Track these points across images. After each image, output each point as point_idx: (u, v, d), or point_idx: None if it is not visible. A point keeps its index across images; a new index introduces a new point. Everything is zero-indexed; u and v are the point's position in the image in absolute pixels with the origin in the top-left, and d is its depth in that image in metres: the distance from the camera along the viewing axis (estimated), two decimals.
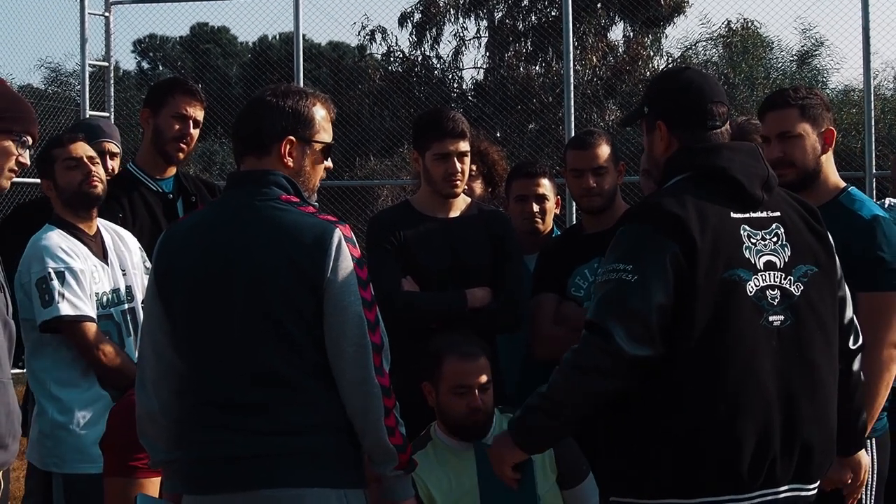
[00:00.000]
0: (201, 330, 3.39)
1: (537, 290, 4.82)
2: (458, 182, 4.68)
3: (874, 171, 11.04)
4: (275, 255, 3.31)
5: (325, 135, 3.54)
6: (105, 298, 4.59)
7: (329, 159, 3.58)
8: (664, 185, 3.47)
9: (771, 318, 3.29)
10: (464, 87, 22.45)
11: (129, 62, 37.00)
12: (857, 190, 4.23)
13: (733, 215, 3.33)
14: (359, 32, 23.00)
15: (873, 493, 4.13)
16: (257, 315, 3.31)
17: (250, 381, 3.31)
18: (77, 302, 4.43)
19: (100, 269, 4.60)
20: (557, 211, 5.33)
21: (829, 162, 4.20)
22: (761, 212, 3.38)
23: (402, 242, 4.66)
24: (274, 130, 3.45)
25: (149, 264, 4.52)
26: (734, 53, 20.56)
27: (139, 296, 4.66)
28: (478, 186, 5.43)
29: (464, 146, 4.67)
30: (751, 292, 3.28)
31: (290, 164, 3.46)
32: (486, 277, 4.67)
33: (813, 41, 20.41)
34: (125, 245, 4.77)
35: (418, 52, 23.15)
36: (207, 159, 21.23)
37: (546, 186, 5.18)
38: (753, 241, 3.33)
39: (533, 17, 22.79)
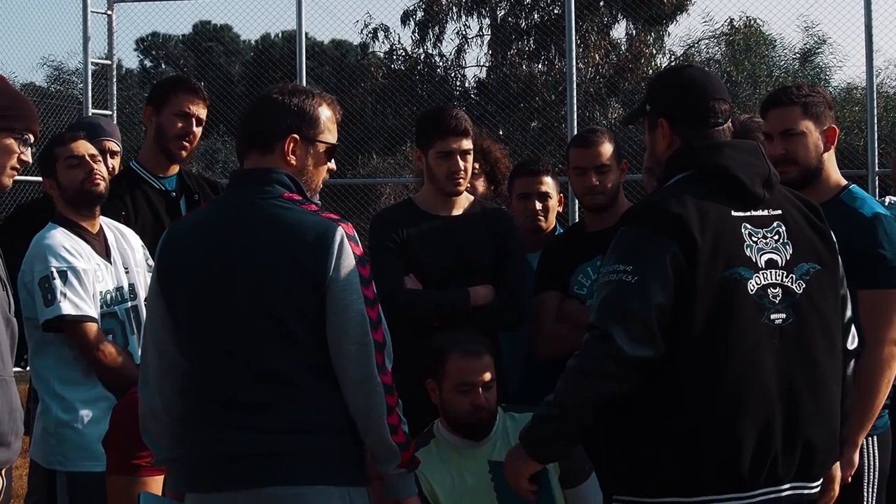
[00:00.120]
0: (204, 328, 3.39)
1: (540, 288, 4.82)
2: (460, 180, 4.69)
3: (877, 168, 11.03)
4: (277, 254, 3.32)
5: (330, 136, 3.54)
6: (109, 297, 4.59)
7: (332, 161, 3.58)
8: (665, 183, 3.46)
9: (772, 317, 3.29)
10: (466, 85, 22.46)
11: (131, 60, 37.07)
12: (858, 188, 4.23)
13: (734, 214, 3.33)
14: (361, 30, 23.05)
15: (875, 490, 4.13)
16: (260, 313, 3.31)
17: (253, 379, 3.31)
18: (79, 302, 4.43)
19: (103, 268, 4.60)
20: (560, 209, 5.33)
21: (830, 160, 4.20)
22: (763, 210, 3.38)
23: (405, 240, 4.67)
24: (278, 128, 3.45)
25: (151, 262, 4.51)
26: (737, 51, 20.57)
27: (142, 294, 4.65)
28: (480, 184, 5.43)
29: (467, 144, 4.67)
30: (752, 290, 3.28)
31: (293, 162, 3.46)
32: (489, 275, 4.67)
33: (815, 39, 20.43)
34: (128, 243, 4.77)
35: (421, 50, 23.18)
36: (210, 157, 21.22)
37: (549, 184, 5.18)
38: (755, 239, 3.33)
39: (535, 15, 22.79)
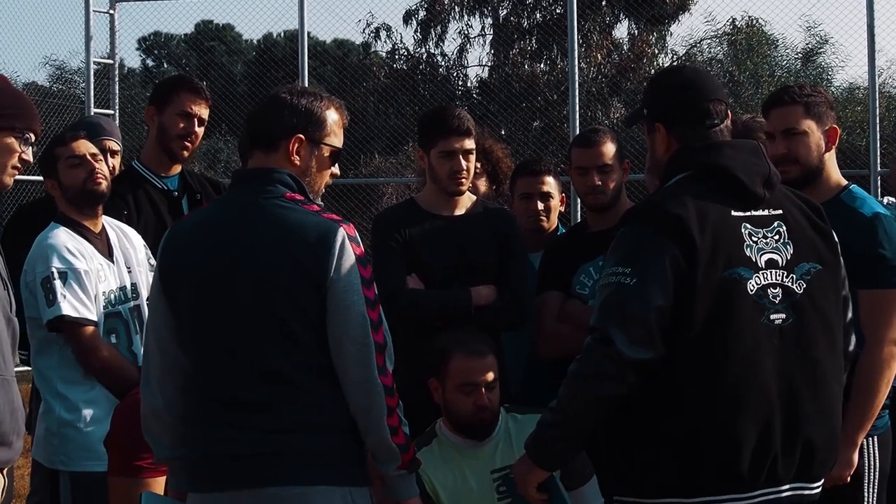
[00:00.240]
0: (206, 327, 3.39)
1: (542, 288, 4.82)
2: (463, 180, 4.69)
3: (879, 168, 11.02)
4: (279, 254, 3.32)
5: (336, 139, 3.54)
6: (112, 296, 4.59)
7: (336, 166, 3.58)
8: (666, 183, 3.46)
9: (772, 317, 3.29)
10: (468, 84, 22.45)
11: (133, 59, 37.03)
12: (858, 188, 4.24)
13: (734, 214, 3.32)
14: (363, 30, 23.03)
15: (875, 490, 4.13)
16: (263, 313, 3.31)
17: (255, 379, 3.31)
18: (77, 304, 4.43)
19: (106, 267, 4.60)
20: (562, 209, 5.32)
21: (831, 160, 4.21)
22: (763, 209, 3.38)
23: (407, 240, 4.67)
24: (284, 127, 3.45)
25: (153, 261, 4.52)
26: (739, 51, 20.56)
27: (144, 293, 4.65)
28: (482, 184, 5.43)
29: (469, 144, 4.67)
30: (751, 290, 3.27)
31: (297, 162, 3.46)
32: (491, 275, 4.67)
33: (818, 39, 20.41)
34: (130, 242, 4.77)
35: (423, 49, 23.17)
36: (212, 157, 21.24)
37: (551, 184, 5.18)
38: (755, 239, 3.32)
39: (538, 15, 22.78)
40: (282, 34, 27.94)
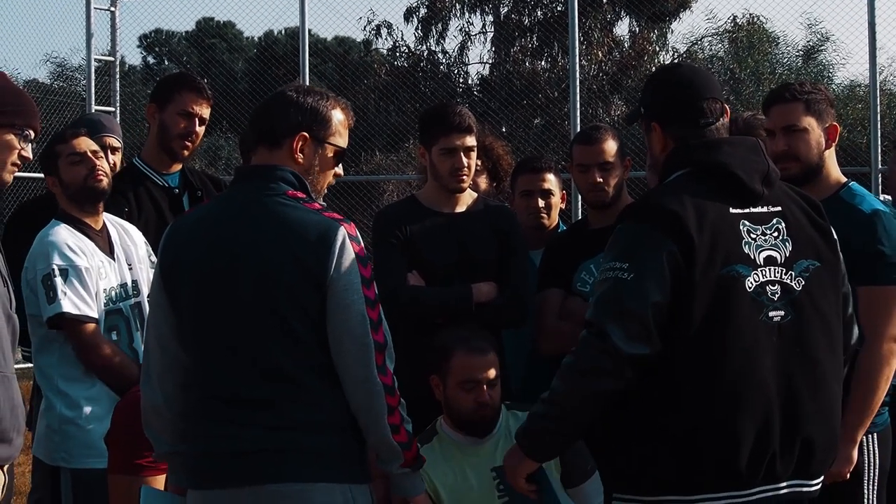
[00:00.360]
0: (207, 324, 3.39)
1: (543, 285, 4.82)
2: (464, 177, 4.69)
3: (880, 166, 11.02)
4: (281, 251, 3.31)
5: (340, 139, 3.53)
6: (113, 293, 4.60)
7: (340, 166, 3.57)
8: (664, 181, 3.46)
9: (771, 314, 3.28)
10: (469, 82, 22.47)
11: (134, 57, 37.04)
12: (857, 185, 4.24)
13: (733, 211, 3.32)
14: (364, 27, 23.09)
15: (875, 487, 4.13)
16: (264, 310, 3.31)
17: (257, 376, 3.31)
18: (78, 301, 4.43)
19: (107, 264, 4.60)
20: (563, 206, 5.33)
21: (831, 157, 4.21)
22: (762, 206, 3.37)
23: (408, 237, 4.67)
24: (289, 124, 3.45)
25: (154, 258, 4.51)
26: (740, 49, 20.57)
27: (145, 290, 4.65)
28: (482, 181, 5.43)
29: (470, 141, 4.67)
30: (750, 288, 3.27)
31: (301, 160, 3.46)
32: (492, 272, 4.67)
33: (819, 36, 20.43)
34: (131, 239, 4.77)
35: (424, 47, 23.19)
36: (213, 154, 21.25)
37: (551, 181, 5.18)
38: (753, 236, 3.32)
39: (539, 12, 22.80)
40: (283, 31, 28.00)
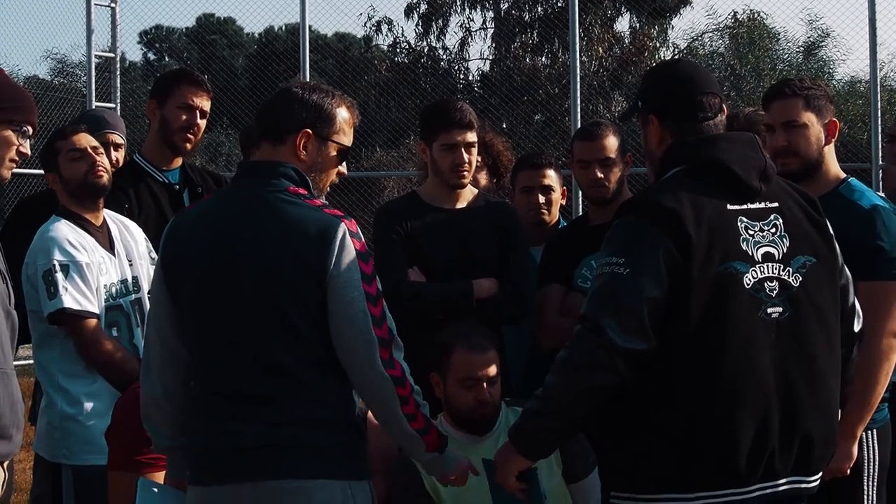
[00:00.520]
0: (208, 319, 3.39)
1: (543, 282, 4.82)
2: (465, 173, 4.69)
3: (881, 162, 11.01)
4: (282, 248, 3.31)
5: (345, 137, 3.52)
6: (114, 289, 4.59)
7: (343, 165, 3.57)
8: (661, 177, 3.45)
9: (769, 311, 3.27)
10: (470, 78, 22.48)
11: (135, 53, 37.08)
12: (856, 181, 4.24)
13: (730, 207, 3.31)
14: (365, 23, 23.07)
15: (875, 483, 4.13)
16: (265, 306, 3.31)
17: (259, 372, 3.31)
18: (79, 297, 4.42)
19: (107, 260, 4.60)
20: (563, 202, 5.32)
21: (830, 153, 4.22)
22: (759, 202, 3.36)
23: (409, 233, 4.67)
24: (293, 120, 3.44)
25: (154, 255, 4.51)
26: (740, 45, 20.57)
27: (145, 286, 4.65)
28: (483, 177, 5.43)
29: (471, 137, 4.67)
30: (748, 284, 3.26)
31: (304, 157, 3.45)
32: (493, 268, 4.67)
33: (819, 32, 20.42)
34: (131, 235, 4.77)
35: (424, 43, 23.19)
36: (213, 150, 21.25)
37: (552, 177, 5.18)
38: (751, 232, 3.31)
39: (539, 8, 22.80)
40: (283, 28, 28.01)
